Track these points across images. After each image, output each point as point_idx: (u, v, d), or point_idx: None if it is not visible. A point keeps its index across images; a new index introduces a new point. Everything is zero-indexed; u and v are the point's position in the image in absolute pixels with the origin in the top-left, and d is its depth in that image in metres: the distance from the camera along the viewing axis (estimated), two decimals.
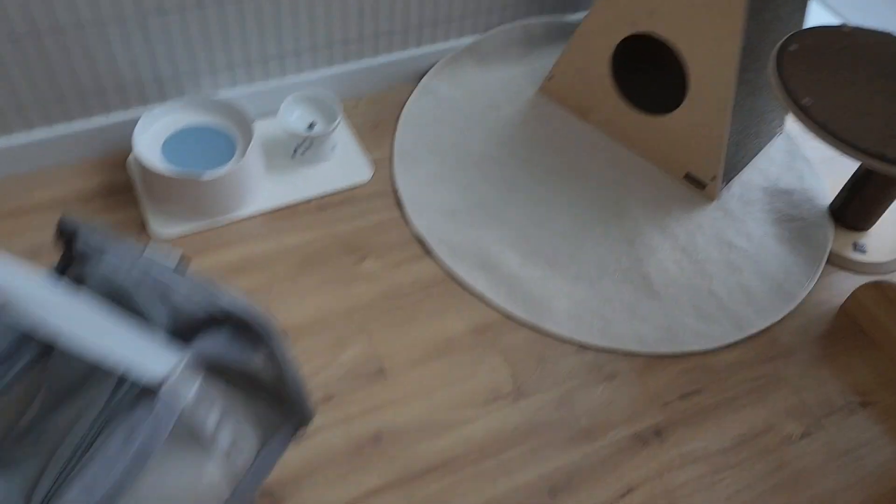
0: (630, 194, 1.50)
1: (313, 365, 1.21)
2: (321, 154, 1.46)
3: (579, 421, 1.19)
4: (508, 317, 1.30)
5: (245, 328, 0.79)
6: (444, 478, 1.11)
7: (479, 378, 1.23)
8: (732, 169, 1.52)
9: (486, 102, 1.63)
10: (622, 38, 1.47)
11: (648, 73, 1.58)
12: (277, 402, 0.86)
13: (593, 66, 1.54)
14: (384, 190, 1.46)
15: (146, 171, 1.30)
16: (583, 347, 1.28)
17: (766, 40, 1.42)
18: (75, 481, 0.67)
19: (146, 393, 0.71)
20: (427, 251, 1.37)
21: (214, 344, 0.77)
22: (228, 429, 0.81)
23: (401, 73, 1.64)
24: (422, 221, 1.40)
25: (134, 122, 1.35)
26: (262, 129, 1.49)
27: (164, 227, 1.33)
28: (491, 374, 1.23)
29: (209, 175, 1.28)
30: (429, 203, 1.43)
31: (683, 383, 1.25)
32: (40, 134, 1.36)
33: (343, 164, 1.48)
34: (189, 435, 0.77)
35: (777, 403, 1.25)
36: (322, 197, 1.43)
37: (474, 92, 1.65)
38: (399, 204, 1.44)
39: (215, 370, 0.78)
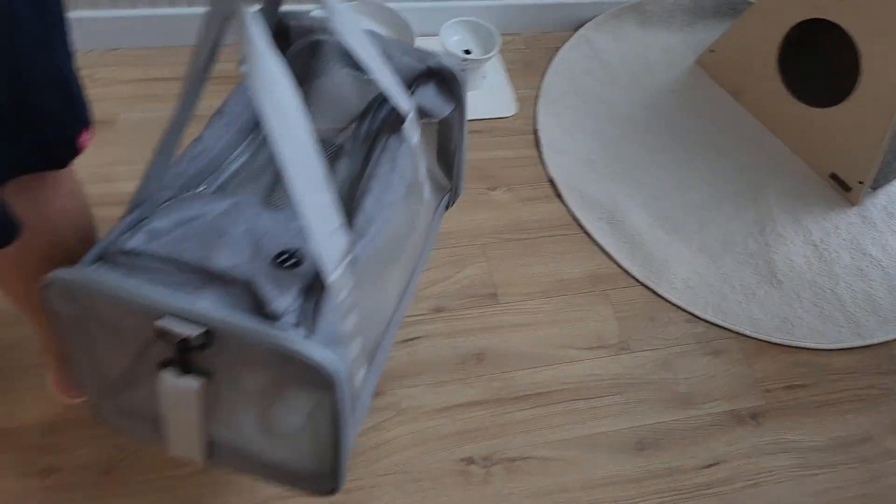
0: (769, 182, 1.46)
1: (431, 276, 1.25)
2: (472, 82, 1.48)
3: (678, 386, 1.20)
4: (626, 272, 1.30)
5: (447, 82, 0.86)
6: (536, 408, 1.14)
7: (586, 323, 1.24)
8: (883, 178, 1.46)
9: (641, 64, 1.61)
10: (798, 20, 1.42)
11: (814, 61, 1.53)
12: (447, 169, 0.94)
13: (760, 47, 1.50)
14: (525, 128, 1.48)
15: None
16: (694, 318, 1.27)
17: None
18: (366, 195, 0.75)
19: (397, 123, 0.80)
20: (557, 194, 1.39)
21: (426, 95, 0.84)
22: (427, 182, 0.87)
23: (561, 18, 1.63)
24: (557, 165, 1.41)
25: None
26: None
27: None
28: (599, 322, 1.25)
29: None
30: (566, 149, 1.44)
31: (791, 375, 1.24)
32: None
33: (489, 96, 1.50)
34: (411, 180, 0.83)
35: (883, 416, 1.22)
36: (468, 121, 1.45)
37: (631, 51, 1.63)
38: (537, 144, 1.45)
39: (422, 120, 0.85)
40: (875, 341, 1.29)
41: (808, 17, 1.41)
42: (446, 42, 1.46)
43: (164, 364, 0.67)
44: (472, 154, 1.41)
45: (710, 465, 1.13)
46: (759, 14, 1.48)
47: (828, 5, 1.37)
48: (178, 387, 0.67)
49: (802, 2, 1.40)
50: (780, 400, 1.21)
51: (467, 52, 1.48)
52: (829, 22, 1.38)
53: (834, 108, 1.42)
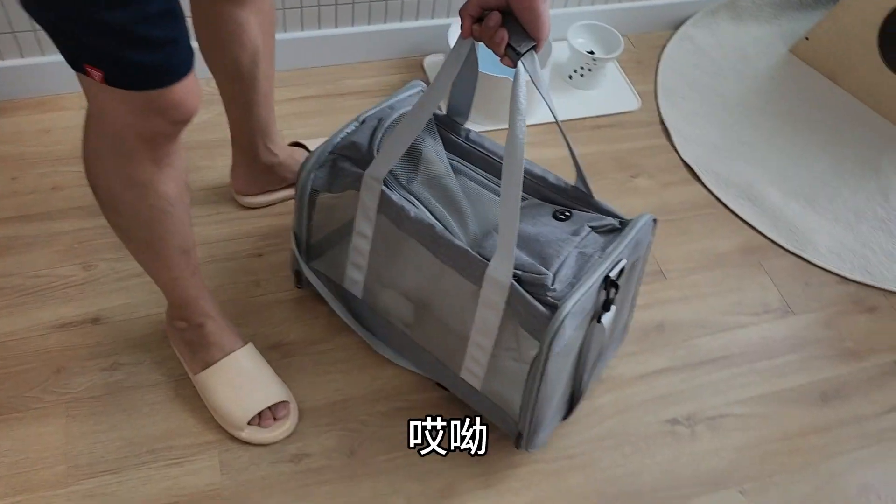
0: (882, 155, 1.56)
1: None
2: (596, 80, 1.58)
3: (844, 342, 1.28)
4: (774, 243, 1.39)
5: None
6: (722, 370, 1.22)
7: (748, 291, 1.33)
8: None
9: (740, 55, 1.72)
10: None
11: None
12: None
13: (858, 31, 1.61)
14: (651, 119, 1.57)
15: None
16: (844, 280, 1.36)
17: None
18: None
19: None
20: (695, 177, 1.48)
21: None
22: None
23: (662, 18, 1.74)
24: (689, 150, 1.51)
25: (430, 29, 1.49)
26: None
27: None
28: (759, 290, 1.33)
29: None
30: (694, 136, 1.54)
31: None
32: (357, 29, 1.52)
33: (612, 92, 1.60)
34: None
35: None
36: (595, 117, 1.55)
37: (729, 44, 1.74)
38: (666, 133, 1.54)
39: None
40: None
41: None
42: (573, 44, 1.55)
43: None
44: (608, 146, 1.51)
45: (890, 411, 1.21)
46: (857, 1, 1.59)
47: None
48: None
49: None
50: None
51: (591, 52, 1.58)
52: None
53: None
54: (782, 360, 1.25)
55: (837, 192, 1.48)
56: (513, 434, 1.02)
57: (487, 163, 1.02)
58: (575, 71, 1.56)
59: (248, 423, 1.05)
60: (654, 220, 1.00)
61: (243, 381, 1.06)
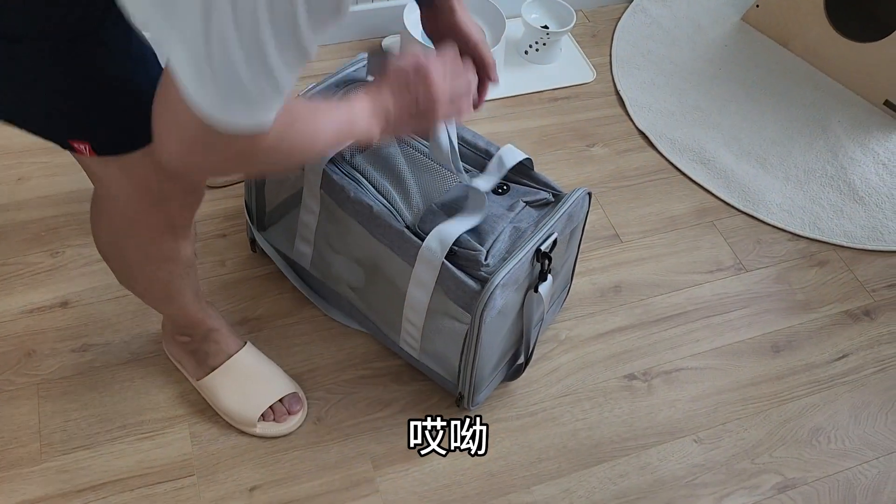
0: (831, 115, 1.61)
1: None
2: (551, 54, 1.61)
3: (795, 295, 1.33)
4: (726, 204, 1.43)
5: None
6: (678, 326, 1.26)
7: (702, 251, 1.37)
8: None
9: (692, 24, 1.76)
10: None
11: (860, 1, 1.68)
12: None
13: None
14: (606, 90, 1.61)
15: (411, 48, 1.47)
16: (795, 236, 1.41)
17: None
18: None
19: None
20: (649, 143, 1.52)
21: None
22: None
23: None
24: (643, 119, 1.54)
25: (387, 11, 1.52)
26: None
27: None
28: (712, 249, 1.37)
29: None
30: (647, 104, 1.57)
31: (890, 275, 1.37)
32: None
33: (568, 65, 1.63)
34: None
35: None
36: (552, 90, 1.58)
37: (682, 14, 1.77)
38: (621, 102, 1.58)
39: None
40: None
41: None
42: (528, 20, 1.58)
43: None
44: (565, 117, 1.54)
45: (839, 358, 1.25)
46: None
47: None
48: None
49: None
50: (885, 298, 1.34)
51: (545, 27, 1.61)
52: None
53: (882, 41, 1.57)
54: (735, 314, 1.29)
55: (788, 153, 1.53)
56: (455, 394, 1.07)
57: None
58: (531, 46, 1.60)
59: (263, 419, 1.06)
60: (590, 195, 1.04)
61: (248, 380, 1.07)
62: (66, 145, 0.68)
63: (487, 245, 0.93)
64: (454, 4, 0.84)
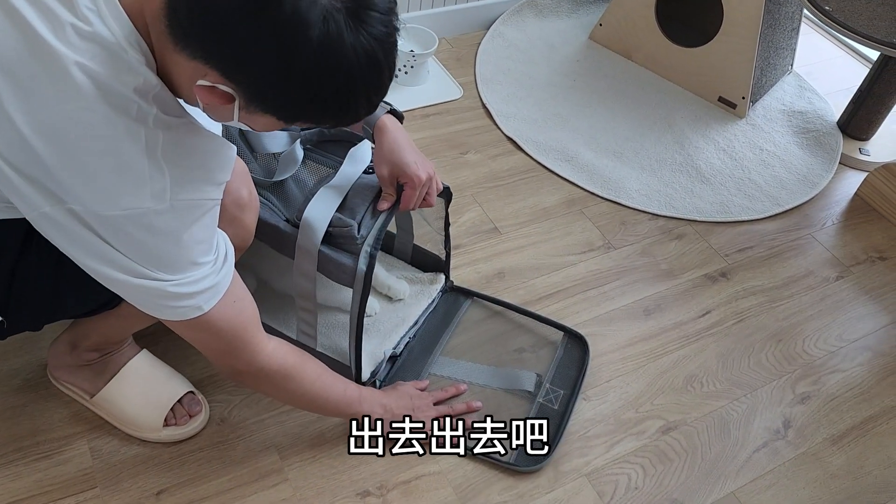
0: (674, 113, 1.79)
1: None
2: (420, 76, 1.73)
3: (660, 265, 1.46)
4: (591, 193, 1.57)
5: None
6: (559, 301, 1.36)
7: (574, 235, 1.48)
8: (757, 92, 1.83)
9: (546, 44, 1.93)
10: None
11: (684, 11, 1.90)
12: None
13: (639, 11, 1.85)
14: (474, 105, 1.73)
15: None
16: (654, 216, 1.55)
17: None
18: None
19: None
20: (518, 147, 1.64)
21: None
22: None
23: (474, 19, 1.93)
24: (510, 126, 1.67)
25: None
26: None
27: None
28: (583, 233, 1.49)
29: None
30: (512, 114, 1.71)
31: (739, 242, 1.53)
32: None
33: (437, 85, 1.75)
34: None
35: (814, 257, 1.53)
36: (424, 107, 1.69)
37: (535, 37, 1.94)
38: (488, 114, 1.71)
39: None
40: (790, 206, 1.61)
41: None
42: None
43: None
44: (439, 130, 1.65)
45: (703, 315, 1.38)
46: None
47: None
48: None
49: None
50: (737, 260, 1.49)
51: (412, 51, 1.73)
52: None
53: (709, 44, 1.78)
54: (609, 287, 1.40)
55: (641, 146, 1.69)
56: (353, 379, 1.12)
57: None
58: (400, 69, 1.71)
59: (166, 424, 1.06)
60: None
61: (146, 382, 1.07)
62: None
63: (358, 218, 0.99)
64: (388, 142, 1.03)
